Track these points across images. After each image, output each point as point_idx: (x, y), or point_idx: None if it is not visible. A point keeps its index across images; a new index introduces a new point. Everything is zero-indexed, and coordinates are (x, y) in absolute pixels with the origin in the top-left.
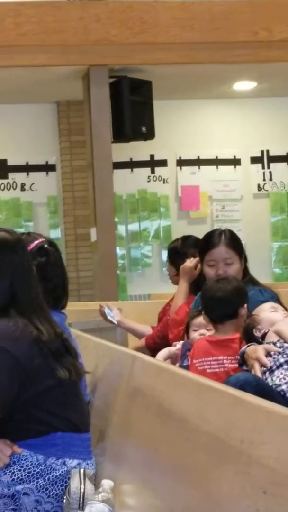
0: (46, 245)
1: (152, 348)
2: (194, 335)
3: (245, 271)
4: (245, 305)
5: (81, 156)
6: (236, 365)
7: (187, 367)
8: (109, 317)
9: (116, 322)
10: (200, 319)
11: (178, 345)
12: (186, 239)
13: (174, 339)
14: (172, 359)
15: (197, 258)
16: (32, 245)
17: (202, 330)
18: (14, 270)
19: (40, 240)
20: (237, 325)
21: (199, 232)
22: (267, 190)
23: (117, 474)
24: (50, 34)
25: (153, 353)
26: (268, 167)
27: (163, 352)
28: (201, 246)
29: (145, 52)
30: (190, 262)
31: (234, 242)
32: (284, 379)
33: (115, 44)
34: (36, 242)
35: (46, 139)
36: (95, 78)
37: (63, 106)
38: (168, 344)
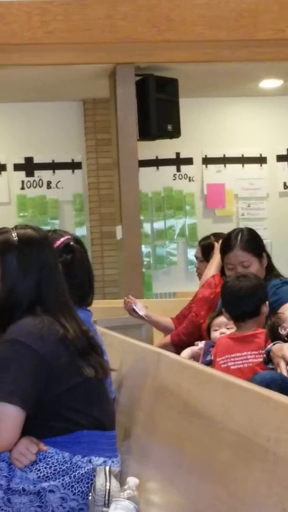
0: (72, 243)
1: (177, 345)
2: (215, 334)
3: (268, 268)
4: (267, 302)
5: (107, 154)
6: (261, 360)
7: (209, 362)
8: (139, 312)
9: (145, 317)
10: (221, 319)
11: (201, 344)
12: (216, 235)
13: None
14: (195, 358)
15: None
16: (58, 243)
17: (222, 329)
18: (40, 267)
19: (66, 237)
20: (259, 322)
21: (224, 230)
22: None
23: (142, 471)
24: (76, 32)
25: (178, 350)
26: None
27: (186, 352)
28: (221, 247)
29: (171, 50)
30: None
31: (251, 244)
32: None
33: (141, 42)
34: (62, 239)
35: (72, 137)
36: (121, 76)
37: (89, 104)
38: (197, 339)
